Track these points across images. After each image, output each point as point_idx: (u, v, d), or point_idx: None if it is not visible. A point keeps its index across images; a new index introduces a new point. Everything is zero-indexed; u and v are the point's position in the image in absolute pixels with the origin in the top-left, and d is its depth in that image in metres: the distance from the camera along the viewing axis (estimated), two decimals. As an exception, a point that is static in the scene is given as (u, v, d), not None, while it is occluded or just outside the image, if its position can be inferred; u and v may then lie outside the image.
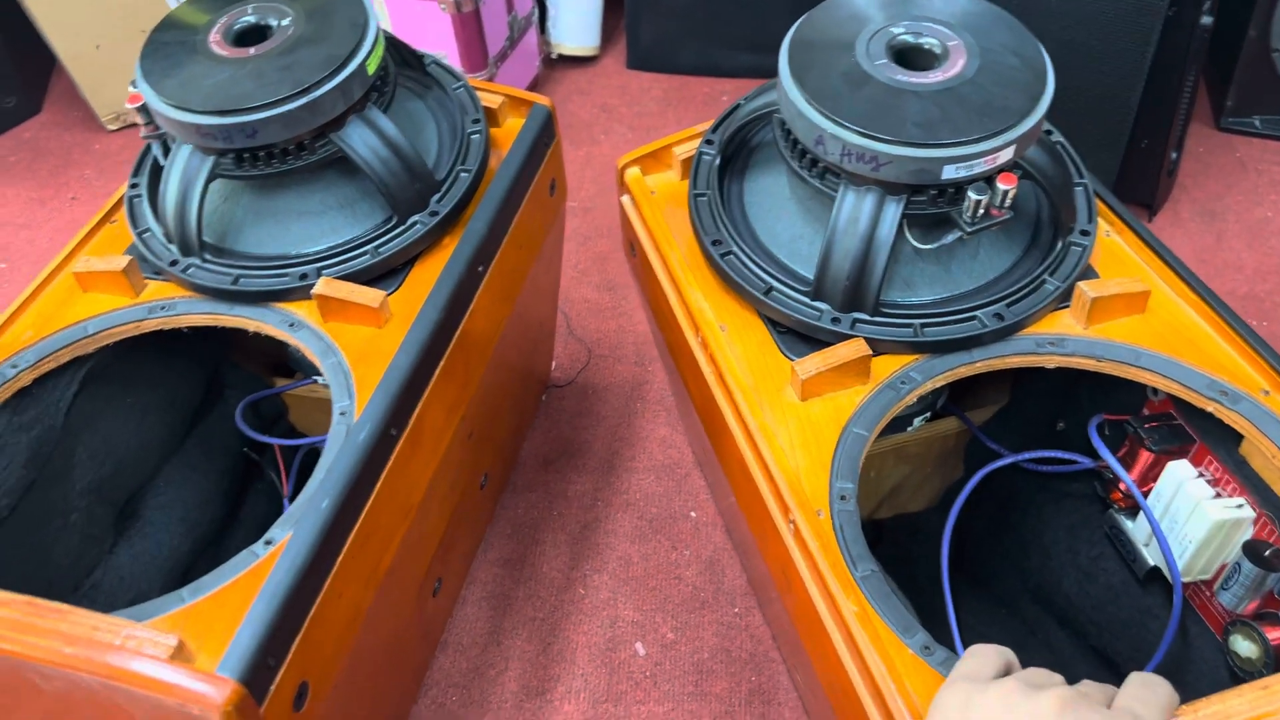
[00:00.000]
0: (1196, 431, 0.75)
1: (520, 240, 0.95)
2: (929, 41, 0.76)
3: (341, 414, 0.73)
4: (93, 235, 0.90)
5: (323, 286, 0.78)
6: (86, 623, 0.58)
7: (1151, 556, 0.78)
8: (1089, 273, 0.78)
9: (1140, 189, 1.52)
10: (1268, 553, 0.69)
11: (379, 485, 0.71)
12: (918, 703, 0.58)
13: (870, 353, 0.73)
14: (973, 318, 0.74)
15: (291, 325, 0.80)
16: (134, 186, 0.90)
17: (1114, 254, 0.80)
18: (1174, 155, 1.47)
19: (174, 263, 0.83)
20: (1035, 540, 0.91)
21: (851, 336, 0.74)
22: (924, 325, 0.74)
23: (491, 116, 0.97)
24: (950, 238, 0.74)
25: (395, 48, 0.92)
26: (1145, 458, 0.77)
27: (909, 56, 0.76)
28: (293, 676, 0.62)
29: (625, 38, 1.92)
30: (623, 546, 1.15)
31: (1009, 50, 0.74)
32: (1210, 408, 0.69)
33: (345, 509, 0.67)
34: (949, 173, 0.69)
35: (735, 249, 0.80)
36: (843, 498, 0.68)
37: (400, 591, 0.81)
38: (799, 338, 0.77)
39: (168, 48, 0.82)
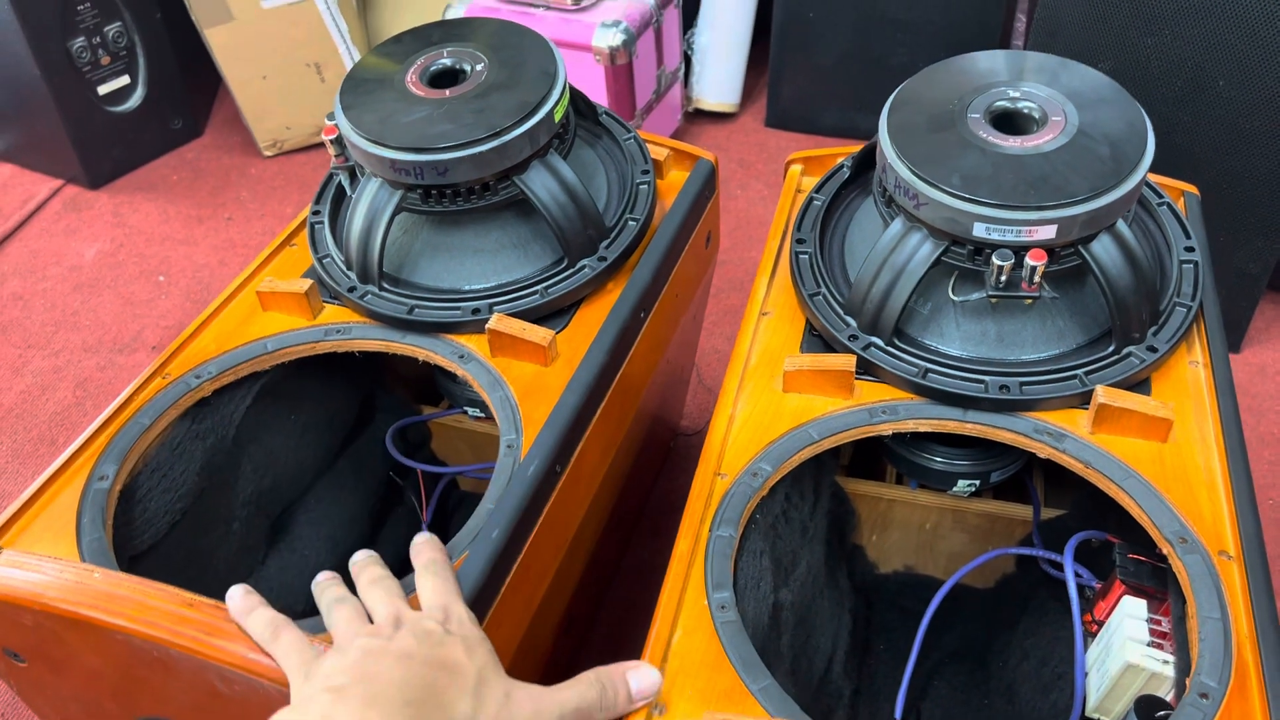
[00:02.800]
0: (1172, 580, 0.69)
1: (677, 289, 0.96)
2: (1027, 106, 0.76)
3: (509, 447, 0.74)
4: (272, 257, 0.95)
5: (496, 323, 0.80)
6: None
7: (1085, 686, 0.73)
8: (1141, 387, 0.75)
9: (1298, 279, 1.47)
10: (1159, 713, 0.63)
11: (541, 520, 0.73)
12: (676, 636, 0.63)
13: (853, 369, 0.76)
14: (980, 381, 0.74)
15: (461, 357, 0.82)
16: (316, 213, 0.94)
17: (1182, 383, 0.76)
18: (1336, 247, 1.41)
19: (352, 289, 0.86)
20: (1023, 641, 0.88)
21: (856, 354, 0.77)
22: (930, 371, 0.75)
23: (657, 168, 0.99)
24: (976, 295, 0.76)
25: (573, 97, 0.95)
26: (1119, 588, 0.73)
27: (1008, 119, 0.77)
28: (453, 702, 0.63)
29: (766, 96, 1.95)
30: (745, 602, 1.15)
31: (1109, 139, 0.73)
32: (1165, 549, 0.66)
33: (512, 540, 0.68)
34: (979, 230, 0.70)
35: (812, 250, 0.84)
36: (754, 475, 0.72)
37: (544, 627, 0.82)
38: (824, 345, 0.80)
39: (366, 85, 0.86)
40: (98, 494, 0.74)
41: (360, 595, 0.61)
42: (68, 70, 1.82)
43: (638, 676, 0.59)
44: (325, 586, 0.61)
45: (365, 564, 0.63)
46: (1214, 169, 1.29)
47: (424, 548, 0.64)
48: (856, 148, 0.91)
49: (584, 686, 0.57)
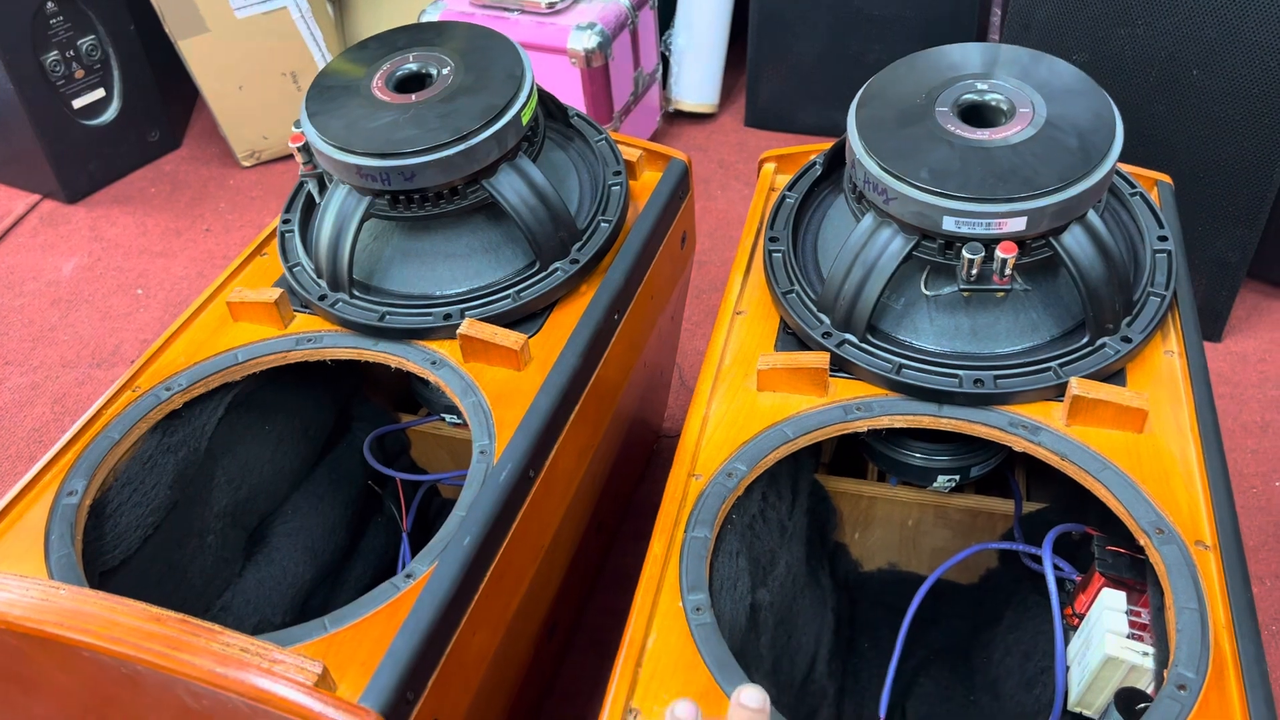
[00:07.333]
0: (1150, 572, 0.68)
1: (652, 290, 0.96)
2: (995, 99, 0.76)
3: (481, 453, 0.74)
4: (243, 267, 0.94)
5: (467, 328, 0.80)
6: (237, 644, 0.60)
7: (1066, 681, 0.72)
8: (1116, 378, 0.75)
9: (1276, 268, 1.47)
10: (1139, 705, 0.63)
11: (515, 525, 0.72)
12: (651, 639, 0.63)
13: (826, 366, 0.75)
14: (954, 375, 0.74)
15: (434, 363, 0.81)
16: (286, 222, 0.93)
17: (1157, 373, 0.76)
18: (1314, 234, 1.42)
19: (323, 297, 0.85)
20: (1006, 636, 0.88)
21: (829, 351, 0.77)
22: (904, 367, 0.75)
23: (630, 169, 0.98)
24: (948, 290, 0.76)
25: (543, 100, 0.95)
26: (1098, 580, 0.73)
27: (977, 111, 0.77)
28: (427, 713, 0.63)
29: (745, 96, 1.94)
30: (730, 603, 1.14)
31: (1077, 131, 0.72)
32: (1141, 540, 0.66)
33: (485, 547, 0.68)
34: (948, 224, 0.70)
35: (785, 248, 0.84)
36: (729, 475, 0.71)
37: (523, 634, 0.81)
38: (798, 343, 0.80)
39: (332, 91, 0.85)
40: (66, 509, 0.73)
41: None
42: (41, 84, 1.80)
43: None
44: None
45: None
46: (1191, 158, 1.29)
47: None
48: (831, 145, 0.91)
49: None
